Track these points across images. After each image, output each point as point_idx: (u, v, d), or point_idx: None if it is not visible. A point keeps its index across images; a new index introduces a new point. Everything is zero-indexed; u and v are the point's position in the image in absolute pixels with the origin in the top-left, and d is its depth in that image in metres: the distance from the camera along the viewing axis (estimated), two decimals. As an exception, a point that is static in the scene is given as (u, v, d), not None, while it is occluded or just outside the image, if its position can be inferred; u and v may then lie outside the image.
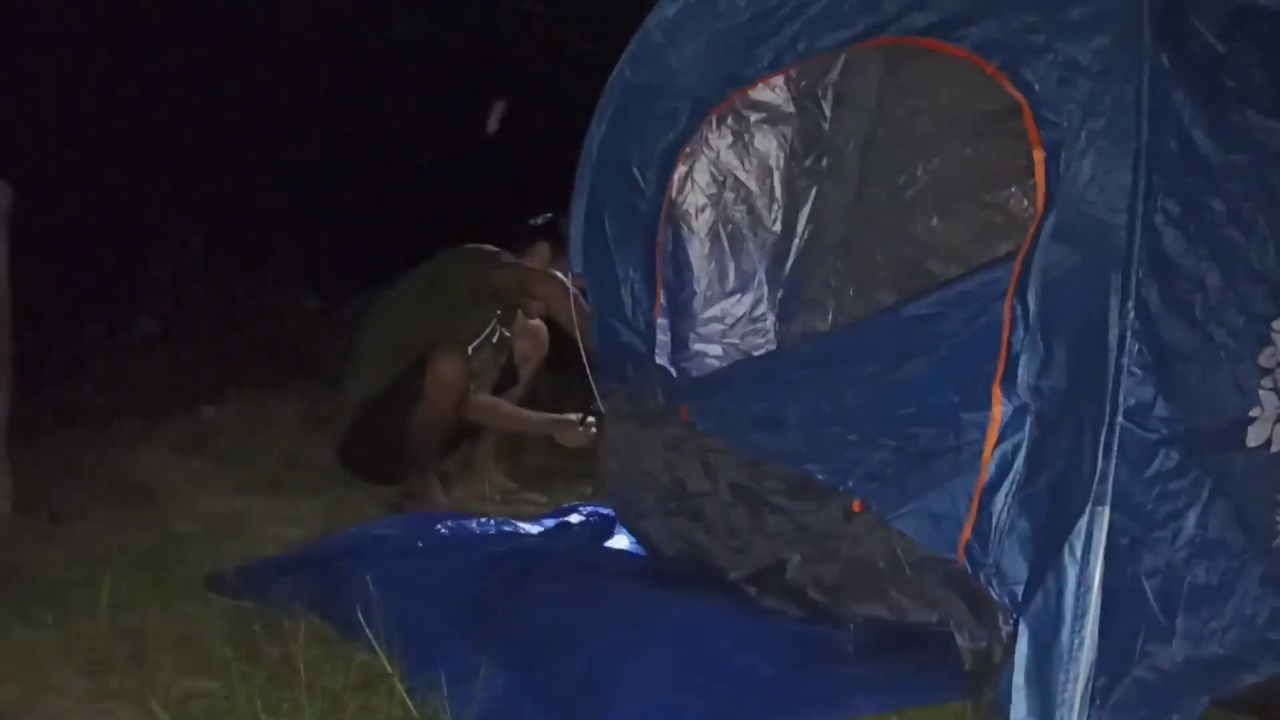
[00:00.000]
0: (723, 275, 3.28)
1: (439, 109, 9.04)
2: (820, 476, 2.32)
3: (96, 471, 4.14)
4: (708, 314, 3.21)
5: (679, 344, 3.09)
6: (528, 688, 2.10)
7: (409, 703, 2.07)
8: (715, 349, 3.20)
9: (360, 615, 2.28)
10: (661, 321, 3.01)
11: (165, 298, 7.29)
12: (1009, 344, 2.00)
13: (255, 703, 2.08)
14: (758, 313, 3.35)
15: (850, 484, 2.25)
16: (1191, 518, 1.87)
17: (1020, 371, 1.97)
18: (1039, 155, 2.02)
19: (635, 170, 3.01)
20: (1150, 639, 1.84)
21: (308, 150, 8.41)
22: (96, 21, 7.35)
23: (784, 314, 3.42)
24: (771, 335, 3.37)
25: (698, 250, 3.18)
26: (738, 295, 3.31)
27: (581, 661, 2.15)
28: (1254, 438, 1.94)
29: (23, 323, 3.65)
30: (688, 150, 3.03)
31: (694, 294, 3.17)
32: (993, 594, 1.94)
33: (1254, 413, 1.93)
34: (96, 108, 7.65)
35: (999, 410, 1.98)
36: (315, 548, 3.04)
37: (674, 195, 3.08)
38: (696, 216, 3.22)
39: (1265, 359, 1.94)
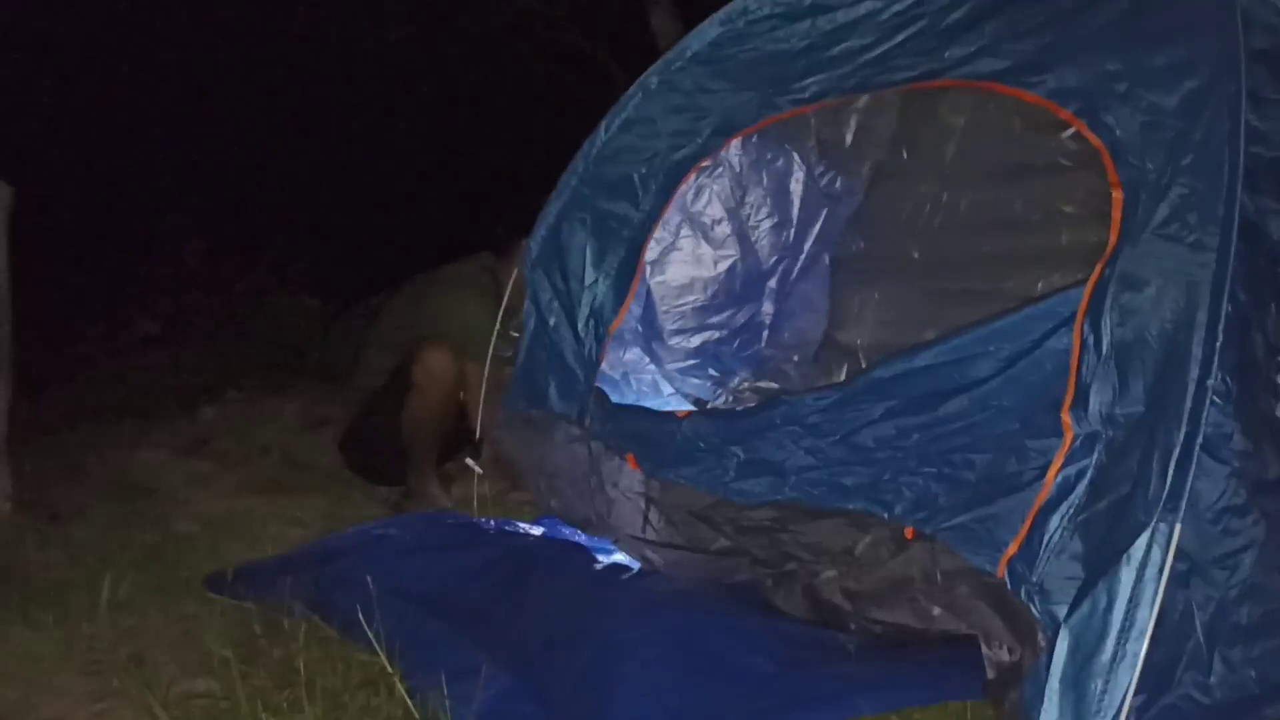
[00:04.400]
0: (729, 287, 3.28)
1: (438, 109, 9.05)
2: (856, 508, 2.30)
3: (96, 471, 4.15)
4: (697, 325, 3.22)
5: (644, 358, 3.08)
6: (528, 688, 2.10)
7: (409, 703, 2.07)
8: (684, 374, 3.19)
9: (360, 615, 2.28)
10: (623, 333, 3.00)
11: (165, 298, 7.29)
12: (1078, 371, 2.00)
13: (255, 703, 2.08)
14: (756, 320, 3.35)
15: (899, 514, 2.23)
16: (1248, 559, 1.86)
17: (1092, 398, 1.96)
18: (1118, 196, 2.04)
19: (636, 179, 3.00)
20: (1191, 667, 1.83)
21: (308, 151, 8.42)
22: (96, 22, 7.35)
23: (776, 326, 3.43)
24: (763, 346, 3.35)
25: (706, 264, 3.18)
26: (737, 309, 3.31)
27: (581, 661, 2.15)
28: None
29: (23, 323, 3.65)
30: (706, 163, 3.02)
31: (678, 308, 3.17)
32: (1032, 611, 1.92)
33: None
34: (96, 108, 7.65)
35: (1069, 436, 1.97)
36: (315, 548, 3.03)
37: (689, 206, 3.09)
38: (714, 227, 3.24)
39: None
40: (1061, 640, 1.79)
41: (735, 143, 3.05)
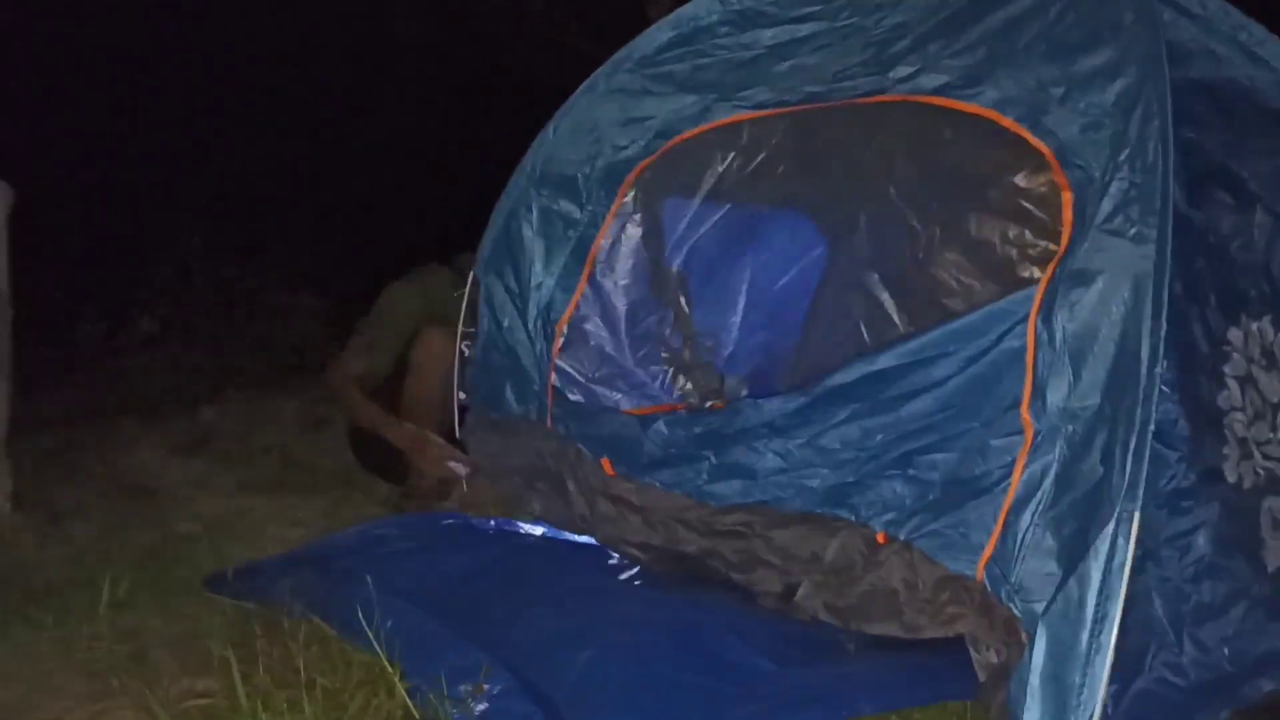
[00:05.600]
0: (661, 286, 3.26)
1: (438, 108, 9.05)
2: (824, 512, 2.32)
3: (96, 471, 4.14)
4: (637, 330, 3.19)
5: (597, 361, 3.08)
6: (528, 688, 2.10)
7: (409, 703, 2.07)
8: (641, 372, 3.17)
9: (360, 615, 2.28)
10: (572, 331, 3.02)
11: (165, 298, 7.28)
12: (1034, 368, 2.03)
13: (255, 702, 2.08)
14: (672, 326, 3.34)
15: (866, 516, 2.25)
16: (1201, 537, 1.91)
17: (1049, 394, 1.99)
18: (1068, 197, 2.09)
19: (580, 179, 3.03)
20: (1161, 650, 1.87)
21: (308, 149, 8.41)
22: (97, 21, 7.36)
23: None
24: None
25: (643, 260, 3.18)
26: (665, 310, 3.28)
27: (581, 661, 2.15)
28: (1230, 474, 2.01)
29: (23, 323, 3.65)
30: (647, 164, 3.01)
31: (627, 305, 3.15)
32: (1014, 611, 1.93)
33: (1226, 450, 2.01)
34: (97, 108, 7.65)
35: (1030, 433, 2.00)
36: (315, 548, 3.03)
37: (629, 206, 3.10)
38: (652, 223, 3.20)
39: (1222, 401, 2.03)
40: (1039, 637, 1.81)
41: (676, 145, 3.03)
